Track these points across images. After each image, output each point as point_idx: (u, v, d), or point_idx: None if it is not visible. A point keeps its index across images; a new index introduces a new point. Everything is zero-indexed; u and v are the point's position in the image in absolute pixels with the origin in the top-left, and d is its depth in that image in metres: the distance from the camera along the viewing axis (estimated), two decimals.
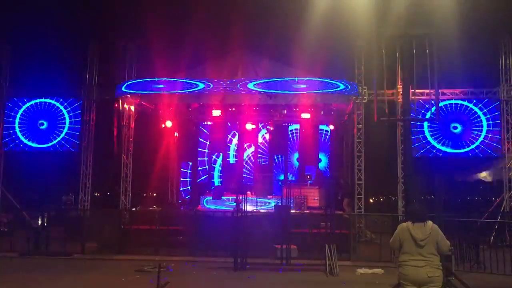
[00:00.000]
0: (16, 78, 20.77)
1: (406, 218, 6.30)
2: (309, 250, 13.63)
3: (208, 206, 19.82)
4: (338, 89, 16.97)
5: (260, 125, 23.03)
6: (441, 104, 17.86)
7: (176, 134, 23.27)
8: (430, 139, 18.90)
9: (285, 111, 19.96)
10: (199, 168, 23.51)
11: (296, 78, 17.35)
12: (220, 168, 23.49)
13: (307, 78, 17.24)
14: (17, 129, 20.20)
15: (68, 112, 20.04)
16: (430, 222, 5.93)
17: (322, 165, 23.07)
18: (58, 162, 20.18)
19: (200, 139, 23.61)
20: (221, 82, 17.43)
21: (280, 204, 16.43)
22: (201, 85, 17.35)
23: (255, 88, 17.33)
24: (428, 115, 18.31)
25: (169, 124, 21.40)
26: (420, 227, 5.86)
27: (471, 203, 24.22)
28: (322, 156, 23.07)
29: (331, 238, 12.83)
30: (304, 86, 17.05)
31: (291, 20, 18.90)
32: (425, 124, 18.91)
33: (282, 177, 22.74)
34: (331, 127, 22.21)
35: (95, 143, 20.05)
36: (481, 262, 12.48)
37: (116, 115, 19.32)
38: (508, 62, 18.60)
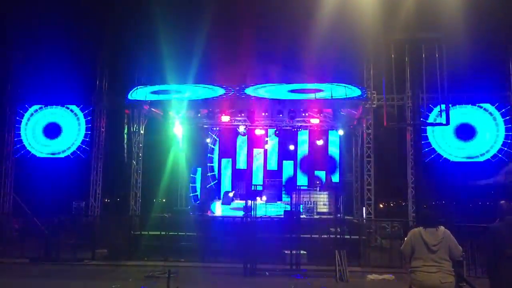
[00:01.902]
0: (27, 85, 20.91)
1: (418, 223, 6.26)
2: (319, 255, 13.58)
3: (217, 212, 19.84)
4: (354, 94, 16.99)
5: (269, 131, 23.05)
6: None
7: (185, 139, 23.33)
8: (435, 145, 18.75)
9: (295, 117, 19.93)
10: (209, 174, 23.56)
11: (306, 84, 17.39)
12: (230, 174, 23.52)
13: (315, 85, 17.29)
14: (27, 136, 20.34)
15: (78, 118, 20.16)
16: (442, 227, 5.89)
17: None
18: (68, 169, 20.28)
19: (210, 144, 23.67)
20: (231, 88, 17.52)
21: (289, 209, 16.39)
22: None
23: (262, 95, 17.42)
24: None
25: (178, 130, 21.47)
26: (432, 232, 5.82)
27: (483, 208, 24.00)
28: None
29: (341, 244, 12.79)
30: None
31: (299, 26, 18.92)
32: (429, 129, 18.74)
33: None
34: (341, 132, 22.16)
35: (105, 149, 20.14)
36: None
37: (126, 121, 19.41)
38: None
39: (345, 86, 17.06)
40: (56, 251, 14.80)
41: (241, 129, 21.80)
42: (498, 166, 19.14)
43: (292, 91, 17.49)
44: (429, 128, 18.63)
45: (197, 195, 23.36)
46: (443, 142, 18.76)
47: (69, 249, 14.91)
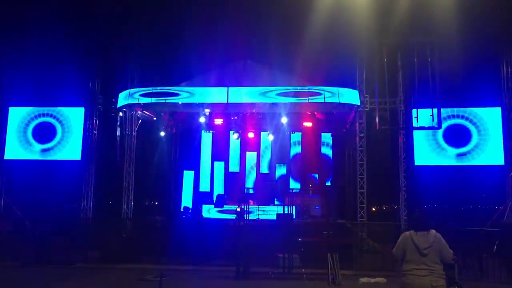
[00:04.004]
0: (18, 87, 20.79)
1: (409, 226, 6.28)
2: (311, 259, 13.59)
3: (210, 215, 19.80)
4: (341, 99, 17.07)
5: (262, 134, 23.06)
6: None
7: (178, 142, 23.31)
8: (426, 149, 18.87)
9: (287, 120, 19.96)
10: (201, 177, 23.51)
11: (298, 87, 17.43)
12: (223, 177, 23.48)
13: (308, 88, 17.33)
14: (19, 138, 20.22)
15: (70, 121, 20.06)
16: (433, 231, 5.91)
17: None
18: (60, 171, 20.16)
19: (202, 147, 23.62)
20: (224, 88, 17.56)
21: (282, 213, 16.41)
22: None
23: (254, 99, 17.47)
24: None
25: (171, 132, 21.44)
26: (423, 236, 5.84)
27: (474, 211, 24.12)
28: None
29: (334, 247, 12.80)
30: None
31: (292, 29, 18.96)
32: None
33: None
34: (333, 135, 22.21)
35: (97, 151, 20.07)
36: (484, 271, 12.41)
37: (118, 124, 19.36)
38: (510, 70, 18.56)
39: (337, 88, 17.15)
40: (48, 254, 14.72)
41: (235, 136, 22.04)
42: (490, 170, 19.25)
43: (285, 94, 17.51)
44: (421, 132, 18.71)
45: (189, 198, 23.29)
46: (435, 145, 18.83)
47: (61, 252, 14.82)
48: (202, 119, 19.34)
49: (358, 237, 16.81)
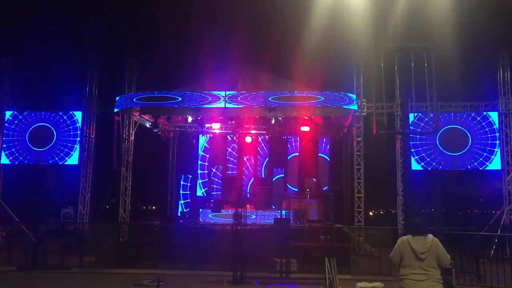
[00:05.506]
0: (17, 91, 20.79)
1: (407, 231, 6.27)
2: (308, 263, 13.56)
3: (207, 220, 19.75)
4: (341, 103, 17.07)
5: (259, 138, 23.04)
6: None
7: (175, 147, 23.28)
8: (424, 153, 18.95)
9: (285, 124, 19.95)
10: (199, 181, 23.47)
11: (295, 92, 17.43)
12: (220, 181, 23.43)
13: (306, 92, 17.34)
14: (16, 142, 20.18)
15: (67, 125, 20.03)
16: (430, 235, 5.90)
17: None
18: (57, 175, 20.12)
19: (200, 151, 23.60)
20: (220, 95, 17.49)
21: (279, 217, 16.36)
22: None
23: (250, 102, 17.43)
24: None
25: (168, 137, 21.42)
26: (420, 240, 5.83)
27: (471, 216, 24.16)
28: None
29: (331, 252, 12.77)
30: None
31: (290, 34, 19.03)
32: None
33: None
34: (331, 139, 22.20)
35: (94, 156, 20.02)
36: (481, 276, 12.40)
37: (115, 128, 19.33)
38: (506, 75, 18.66)
39: (336, 94, 17.15)
40: (44, 259, 14.65)
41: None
42: (487, 174, 19.29)
43: (283, 98, 17.48)
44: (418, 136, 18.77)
45: (187, 202, 23.25)
46: (433, 150, 18.88)
47: (57, 257, 14.76)
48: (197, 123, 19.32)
49: (356, 242, 16.78)
